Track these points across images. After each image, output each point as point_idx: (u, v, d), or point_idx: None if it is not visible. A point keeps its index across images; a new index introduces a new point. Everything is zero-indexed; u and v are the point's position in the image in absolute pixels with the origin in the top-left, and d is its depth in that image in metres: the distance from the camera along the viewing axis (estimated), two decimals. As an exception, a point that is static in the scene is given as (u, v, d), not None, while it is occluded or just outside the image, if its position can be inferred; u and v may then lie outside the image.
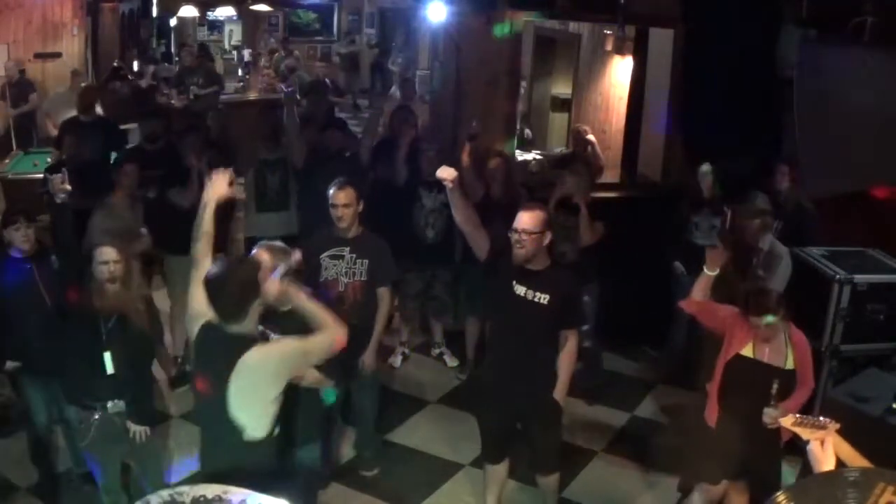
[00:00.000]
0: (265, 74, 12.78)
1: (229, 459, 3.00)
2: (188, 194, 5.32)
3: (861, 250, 5.42)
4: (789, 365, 3.88)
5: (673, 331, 5.99)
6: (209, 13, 13.78)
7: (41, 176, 6.12)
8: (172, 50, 13.05)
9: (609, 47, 8.56)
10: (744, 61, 6.35)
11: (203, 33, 13.88)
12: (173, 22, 13.11)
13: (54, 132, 7.42)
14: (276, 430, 3.05)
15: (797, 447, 4.41)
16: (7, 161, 7.75)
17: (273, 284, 3.06)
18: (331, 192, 4.52)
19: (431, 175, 5.97)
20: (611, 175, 7.89)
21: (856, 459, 2.62)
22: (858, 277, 5.00)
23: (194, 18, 13.36)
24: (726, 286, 4.24)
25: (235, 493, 3.16)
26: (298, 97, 7.34)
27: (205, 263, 3.20)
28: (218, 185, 3.39)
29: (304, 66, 13.30)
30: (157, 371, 4.72)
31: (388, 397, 5.36)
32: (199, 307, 3.11)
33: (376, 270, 4.56)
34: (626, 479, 5.01)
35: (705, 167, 6.07)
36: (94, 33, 10.17)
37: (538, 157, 8.23)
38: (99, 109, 7.52)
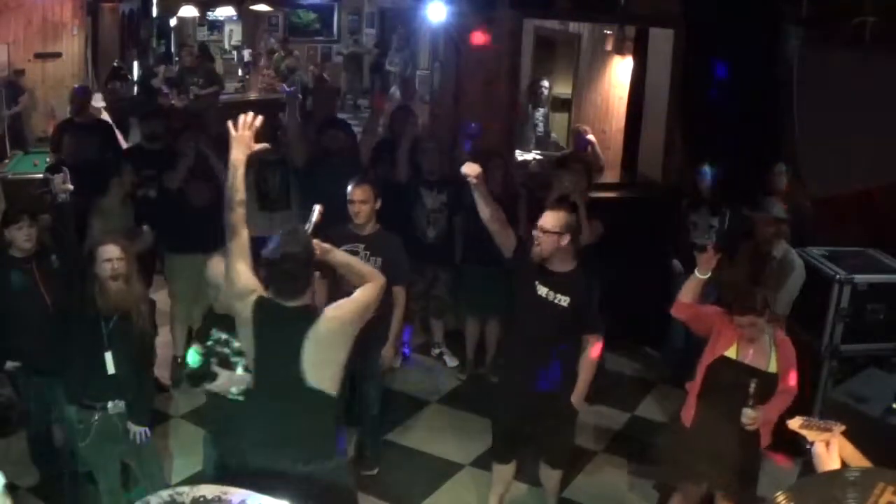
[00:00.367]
0: (265, 74, 12.77)
1: (307, 425, 3.10)
2: (175, 175, 5.43)
3: (861, 250, 5.43)
4: (772, 368, 3.88)
5: (673, 331, 5.99)
6: (209, 13, 13.76)
7: (41, 176, 6.13)
8: (172, 50, 13.05)
9: (609, 47, 8.55)
10: (744, 61, 6.36)
11: (203, 33, 13.86)
12: (173, 22, 13.10)
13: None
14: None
15: (797, 447, 4.43)
16: (7, 161, 7.75)
17: (318, 248, 3.15)
18: (349, 188, 4.59)
19: (432, 175, 6.01)
20: (611, 175, 7.89)
21: (860, 462, 2.62)
22: (858, 277, 5.00)
23: (194, 18, 13.35)
24: (738, 293, 4.16)
25: (235, 493, 3.17)
26: (300, 97, 7.35)
27: (243, 234, 3.18)
28: (241, 142, 3.16)
29: (304, 66, 13.30)
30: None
31: (388, 397, 5.35)
32: (246, 282, 3.12)
33: (390, 269, 4.55)
34: (626, 479, 5.01)
35: (705, 167, 6.08)
36: (94, 33, 10.17)
37: (538, 156, 8.23)
38: (105, 115, 7.54)
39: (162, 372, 5.51)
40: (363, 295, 3.18)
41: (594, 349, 4.09)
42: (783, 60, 6.29)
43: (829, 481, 1.81)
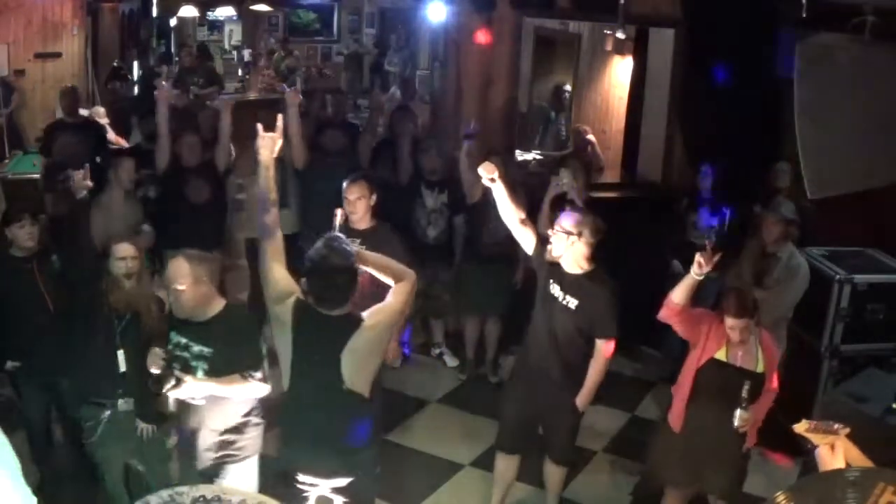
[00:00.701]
0: (265, 74, 12.75)
1: (340, 424, 3.15)
2: (159, 153, 5.57)
3: (861, 250, 5.43)
4: (760, 368, 3.89)
5: (672, 330, 5.98)
6: (209, 13, 13.73)
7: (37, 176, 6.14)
8: (172, 50, 13.02)
9: (609, 47, 8.53)
10: (744, 61, 6.36)
11: (203, 33, 13.83)
12: (173, 22, 13.07)
13: None
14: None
15: (797, 447, 4.43)
16: (7, 161, 7.74)
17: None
18: (343, 186, 4.62)
19: (432, 175, 6.01)
20: (611, 175, 7.89)
21: (865, 464, 2.62)
22: (858, 277, 5.01)
23: (194, 18, 13.32)
24: (737, 296, 4.14)
25: (235, 493, 3.19)
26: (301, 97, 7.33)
27: (278, 235, 3.21)
28: (271, 143, 3.24)
29: (304, 66, 13.28)
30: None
31: (388, 397, 5.36)
32: (285, 286, 3.15)
33: None
34: (626, 479, 5.01)
35: (705, 167, 6.08)
36: (94, 33, 10.13)
37: (538, 156, 8.23)
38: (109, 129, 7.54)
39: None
40: (398, 299, 3.20)
41: (604, 353, 4.08)
42: (783, 60, 6.28)
43: (829, 481, 1.81)
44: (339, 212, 3.72)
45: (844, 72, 5.23)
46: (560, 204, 5.32)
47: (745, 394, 3.72)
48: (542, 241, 4.12)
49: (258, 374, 3.50)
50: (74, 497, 4.50)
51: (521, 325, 4.43)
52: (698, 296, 4.12)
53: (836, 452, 2.47)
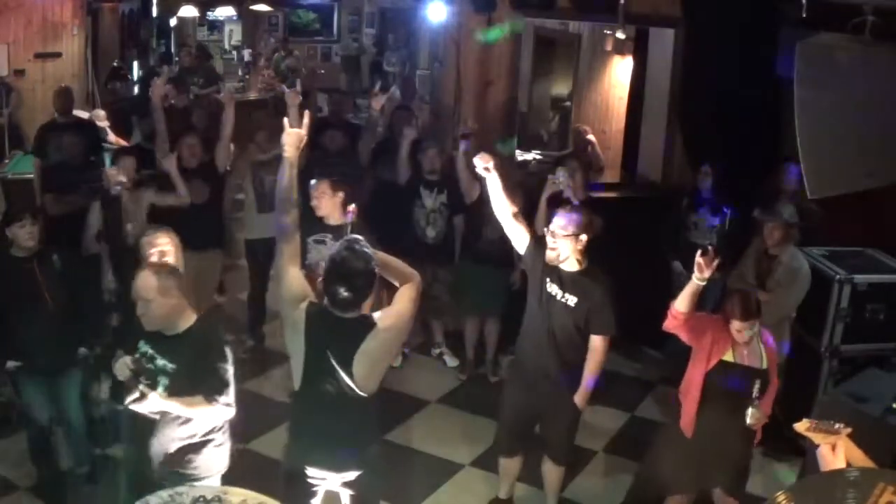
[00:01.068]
0: (265, 74, 12.75)
1: (349, 424, 3.19)
2: (159, 150, 5.57)
3: (861, 250, 5.43)
4: (764, 364, 3.93)
5: (673, 331, 5.98)
6: (209, 13, 13.73)
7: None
8: (172, 50, 13.02)
9: (609, 47, 8.55)
10: (744, 61, 6.35)
11: (203, 33, 13.83)
12: (173, 22, 13.07)
13: None
14: None
15: (798, 447, 4.43)
16: (7, 161, 7.74)
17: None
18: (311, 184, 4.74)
19: (432, 175, 6.01)
20: (611, 175, 7.88)
21: (866, 464, 2.62)
22: (858, 277, 5.00)
23: (194, 18, 13.32)
24: (742, 300, 4.10)
25: (235, 493, 3.18)
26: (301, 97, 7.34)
27: (296, 238, 3.21)
28: (296, 139, 3.22)
29: (304, 65, 13.28)
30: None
31: (388, 397, 5.36)
32: (299, 288, 3.15)
33: None
34: (626, 479, 5.00)
35: (705, 167, 6.07)
36: (94, 33, 10.13)
37: (538, 156, 8.23)
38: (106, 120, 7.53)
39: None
40: (405, 302, 3.19)
41: (600, 350, 4.08)
42: (783, 60, 6.28)
43: (829, 481, 1.81)
44: (351, 209, 3.71)
45: (844, 72, 5.23)
46: (557, 203, 5.32)
47: (756, 392, 3.74)
48: (538, 239, 4.12)
49: (223, 399, 3.31)
50: (74, 497, 4.51)
51: (520, 325, 4.43)
52: (701, 297, 4.10)
53: (837, 452, 2.47)
